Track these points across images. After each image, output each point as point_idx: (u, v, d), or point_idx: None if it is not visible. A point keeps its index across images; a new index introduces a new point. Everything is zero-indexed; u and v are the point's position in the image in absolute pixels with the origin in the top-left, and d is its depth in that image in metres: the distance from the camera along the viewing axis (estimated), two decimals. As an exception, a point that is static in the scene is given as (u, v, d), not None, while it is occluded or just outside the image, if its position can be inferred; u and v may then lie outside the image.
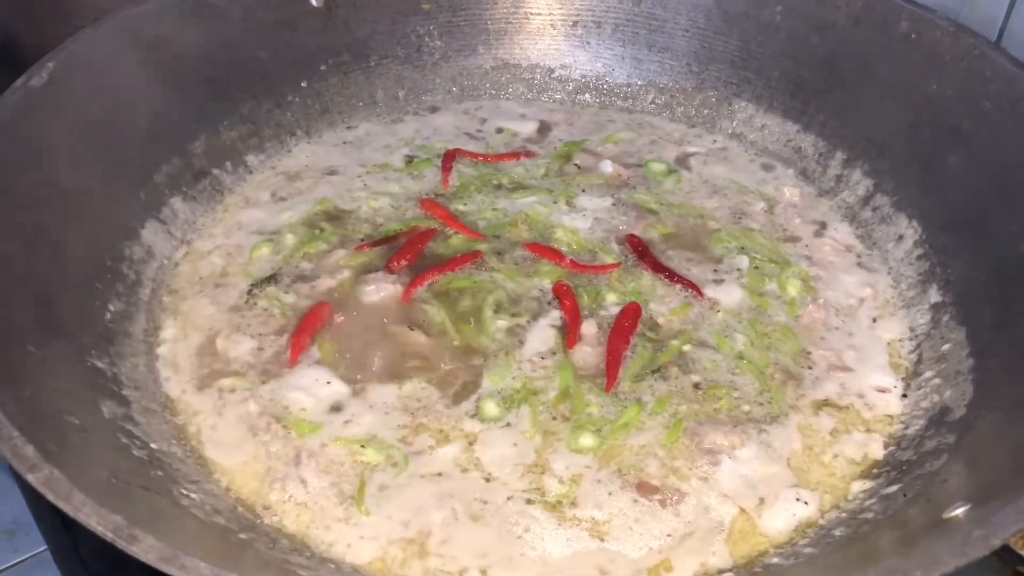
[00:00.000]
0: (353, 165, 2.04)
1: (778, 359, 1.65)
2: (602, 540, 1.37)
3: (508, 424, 1.50)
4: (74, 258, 1.55)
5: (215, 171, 1.94)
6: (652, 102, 2.26)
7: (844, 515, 1.40)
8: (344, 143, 2.12)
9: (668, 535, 1.38)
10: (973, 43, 1.80)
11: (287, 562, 1.24)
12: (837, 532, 1.35)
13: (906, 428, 1.53)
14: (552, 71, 2.29)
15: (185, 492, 1.30)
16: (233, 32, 1.99)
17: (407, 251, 1.78)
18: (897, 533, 1.25)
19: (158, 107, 1.84)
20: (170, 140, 1.86)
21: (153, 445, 1.38)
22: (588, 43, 2.27)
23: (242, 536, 1.27)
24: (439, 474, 1.43)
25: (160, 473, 1.32)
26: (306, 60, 2.11)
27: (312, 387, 1.55)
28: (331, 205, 1.92)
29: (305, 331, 1.61)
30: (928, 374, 1.61)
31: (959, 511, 1.14)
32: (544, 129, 2.19)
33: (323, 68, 2.13)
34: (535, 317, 1.68)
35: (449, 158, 2.03)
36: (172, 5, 1.89)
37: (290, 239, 1.83)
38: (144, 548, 0.97)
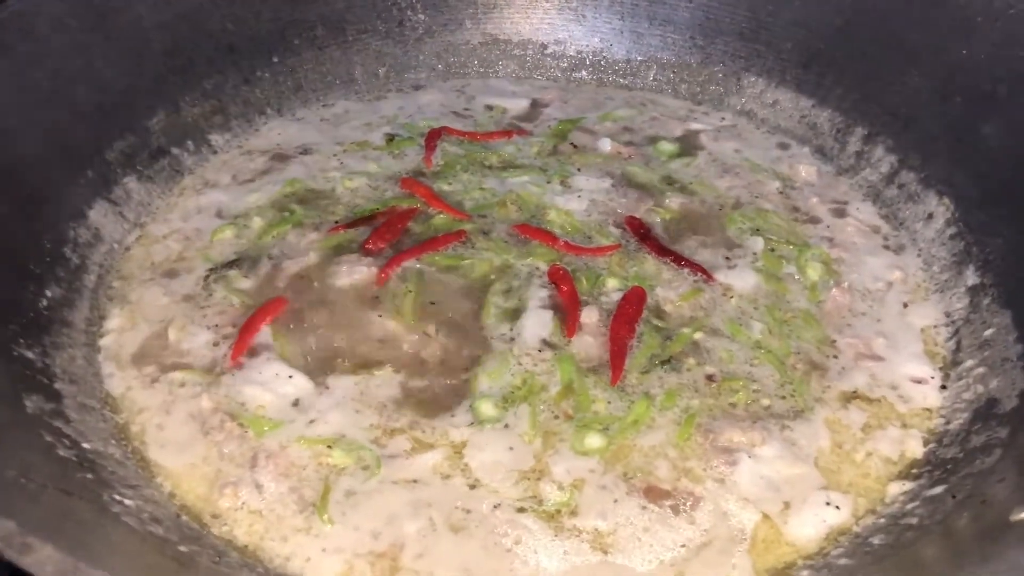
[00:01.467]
0: (328, 144, 1.87)
1: (800, 347, 1.46)
2: (605, 553, 1.18)
3: (506, 425, 1.32)
4: (2, 236, 1.37)
5: (174, 150, 1.76)
6: (654, 79, 2.09)
7: (882, 520, 1.21)
8: (321, 120, 1.95)
9: (682, 545, 1.19)
10: (1009, 1, 1.63)
11: (234, 579, 1.05)
12: (875, 540, 1.17)
13: (948, 423, 1.35)
14: (545, 47, 2.12)
15: (118, 498, 1.11)
16: (196, 1, 1.82)
17: (385, 232, 1.60)
18: (950, 540, 1.06)
19: (110, 79, 1.67)
20: (123, 115, 1.69)
21: (85, 445, 1.20)
22: (584, 16, 2.11)
23: (182, 548, 1.08)
24: (415, 480, 1.25)
25: (90, 476, 1.13)
26: (277, 33, 1.95)
27: (272, 383, 1.36)
28: (302, 186, 1.74)
29: (251, 329, 1.42)
30: (970, 363, 1.43)
31: (1032, 511, 0.96)
32: (537, 107, 2.02)
33: (296, 42, 1.97)
34: (529, 300, 1.49)
35: (433, 136, 1.86)
36: (128, -31, 1.72)
37: (257, 222, 1.65)
38: (39, 560, 0.79)
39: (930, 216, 1.67)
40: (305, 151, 1.84)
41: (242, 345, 1.39)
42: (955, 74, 1.69)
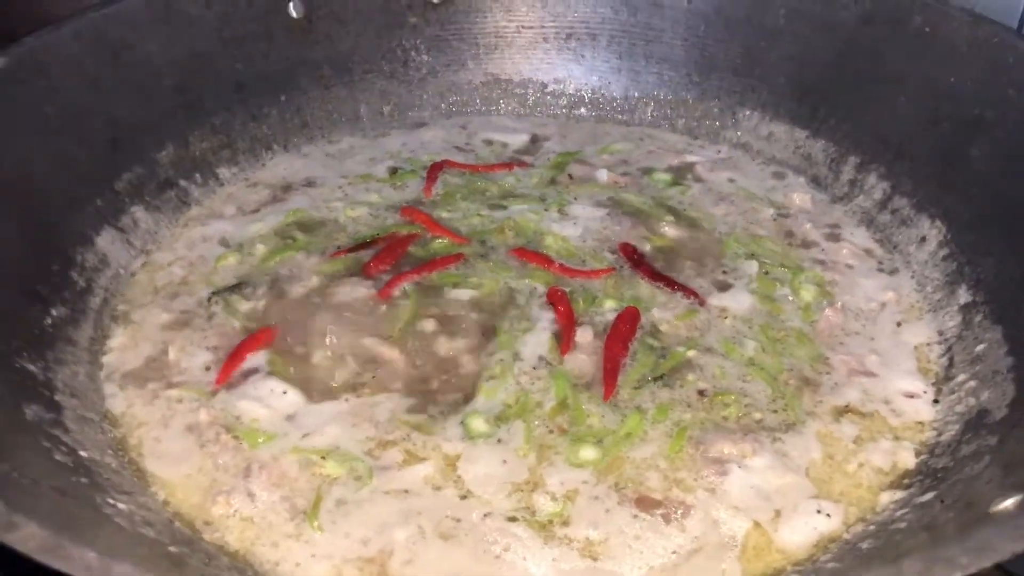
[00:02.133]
0: (333, 177, 1.91)
1: (793, 364, 1.47)
2: (595, 560, 1.19)
3: (499, 440, 1.33)
4: (12, 259, 1.41)
5: (182, 182, 1.82)
6: (651, 115, 2.13)
7: (872, 527, 1.21)
8: (326, 155, 2.00)
9: (673, 552, 1.19)
10: (992, 31, 1.67)
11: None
12: (864, 545, 1.16)
13: (939, 435, 1.35)
14: (545, 86, 2.18)
15: (112, 502, 1.13)
16: (206, 41, 1.89)
17: (386, 255, 1.63)
18: (933, 534, 1.06)
19: (121, 113, 1.73)
20: (133, 148, 1.74)
21: (82, 453, 1.22)
22: (583, 56, 2.16)
23: (173, 549, 1.09)
24: (406, 491, 1.26)
25: (85, 480, 1.15)
26: (285, 73, 2.01)
27: (267, 398, 1.38)
28: (306, 215, 1.78)
29: (237, 358, 1.44)
30: (961, 377, 1.43)
31: (1009, 502, 0.96)
32: (537, 141, 2.07)
33: (303, 81, 2.03)
34: (537, 323, 1.52)
35: (435, 169, 1.90)
36: (140, 10, 1.79)
37: (260, 249, 1.69)
38: (23, 536, 0.80)
39: (923, 239, 1.69)
40: (310, 183, 1.89)
41: (227, 371, 1.42)
42: (943, 102, 1.72)
